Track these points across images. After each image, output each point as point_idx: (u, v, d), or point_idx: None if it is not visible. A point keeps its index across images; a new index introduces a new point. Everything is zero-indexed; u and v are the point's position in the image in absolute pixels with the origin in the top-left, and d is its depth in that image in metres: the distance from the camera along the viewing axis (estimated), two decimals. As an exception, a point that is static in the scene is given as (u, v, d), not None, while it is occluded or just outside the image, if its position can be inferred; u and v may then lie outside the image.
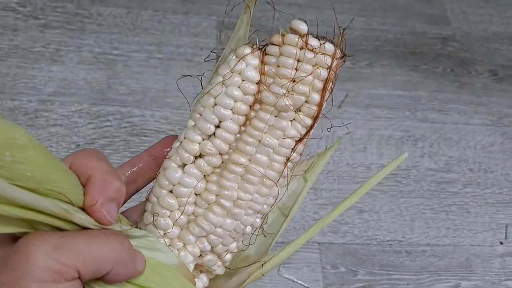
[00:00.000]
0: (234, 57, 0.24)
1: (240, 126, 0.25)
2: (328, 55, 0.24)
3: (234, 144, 0.25)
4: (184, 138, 0.26)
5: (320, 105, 0.26)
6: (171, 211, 0.25)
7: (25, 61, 0.62)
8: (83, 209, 0.20)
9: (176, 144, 0.26)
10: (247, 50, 0.24)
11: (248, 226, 0.27)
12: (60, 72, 0.62)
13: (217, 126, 0.25)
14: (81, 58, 0.64)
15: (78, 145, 0.56)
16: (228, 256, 0.27)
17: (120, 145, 0.57)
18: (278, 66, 0.24)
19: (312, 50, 0.23)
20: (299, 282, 0.51)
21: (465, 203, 0.58)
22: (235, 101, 0.24)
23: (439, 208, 0.58)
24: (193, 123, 0.26)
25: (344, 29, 0.24)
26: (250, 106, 0.25)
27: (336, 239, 0.54)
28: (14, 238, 0.20)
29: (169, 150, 0.27)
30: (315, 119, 0.27)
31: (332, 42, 0.24)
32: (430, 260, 0.54)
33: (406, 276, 0.53)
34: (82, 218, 0.20)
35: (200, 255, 0.26)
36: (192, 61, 0.66)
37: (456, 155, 0.63)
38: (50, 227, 0.20)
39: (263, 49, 0.24)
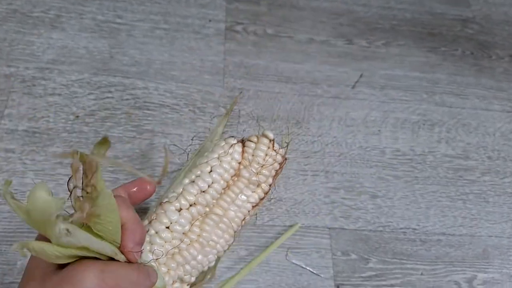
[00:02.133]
0: (225, 144, 0.41)
1: (223, 189, 0.40)
2: (280, 154, 0.44)
3: (215, 200, 0.39)
4: (183, 189, 0.38)
5: (270, 185, 0.43)
6: (165, 242, 0.36)
7: (23, 27, 0.58)
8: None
9: (172, 194, 0.39)
10: (235, 141, 0.41)
11: (210, 263, 0.39)
12: (60, 40, 0.58)
13: (209, 186, 0.39)
14: (82, 25, 0.60)
15: (78, 116, 0.53)
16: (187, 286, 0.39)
17: (121, 118, 0.54)
18: (253, 155, 0.41)
19: (274, 150, 0.43)
20: (308, 268, 0.48)
21: (483, 192, 0.56)
22: (224, 171, 0.40)
23: (455, 196, 0.55)
24: (188, 180, 0.39)
25: (287, 145, 0.45)
26: (231, 177, 0.40)
27: (348, 224, 0.51)
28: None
29: (140, 191, 0.38)
30: (266, 193, 0.43)
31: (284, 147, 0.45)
32: (446, 250, 0.51)
33: (420, 266, 0.50)
34: (121, 256, 0.30)
35: (173, 281, 0.37)
36: (200, 33, 0.62)
37: (474, 142, 0.59)
38: (93, 258, 0.29)
39: (243, 142, 0.42)
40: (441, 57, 0.67)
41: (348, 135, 0.57)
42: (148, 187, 0.38)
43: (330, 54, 0.64)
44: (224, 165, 0.40)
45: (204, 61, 0.60)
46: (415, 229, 0.52)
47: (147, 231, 0.36)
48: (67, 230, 0.26)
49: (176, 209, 0.37)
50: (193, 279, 0.39)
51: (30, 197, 0.26)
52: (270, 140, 0.42)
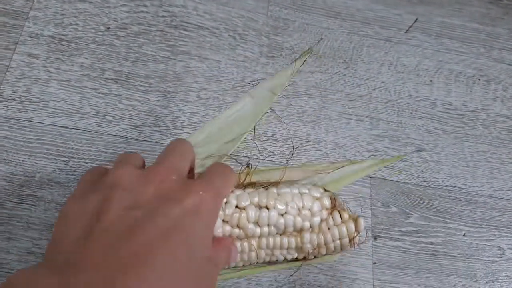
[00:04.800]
0: (321, 208, 0.37)
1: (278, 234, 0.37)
2: (353, 244, 0.38)
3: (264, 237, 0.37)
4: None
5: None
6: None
7: None
8: None
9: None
10: (328, 204, 0.37)
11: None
12: None
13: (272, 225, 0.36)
14: None
15: (109, 27, 0.48)
16: None
17: (156, 35, 0.49)
18: (335, 226, 0.37)
19: (351, 242, 0.38)
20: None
21: (536, 158, 0.52)
22: (295, 223, 0.36)
23: (506, 159, 0.51)
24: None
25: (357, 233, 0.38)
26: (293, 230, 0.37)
27: (391, 175, 0.47)
28: None
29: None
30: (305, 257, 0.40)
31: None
32: (492, 214, 0.48)
33: (463, 227, 0.46)
34: None
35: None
36: (246, -46, 0.56)
37: (530, 105, 0.55)
38: None
39: (333, 207, 0.37)
40: (503, 10, 0.61)
41: (397, 81, 0.53)
42: None
43: (384, -6, 0.59)
44: (298, 219, 0.36)
45: (248, -15, 0.55)
46: (461, 188, 0.48)
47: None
48: None
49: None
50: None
51: None
52: (357, 230, 0.37)
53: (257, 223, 0.35)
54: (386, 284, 0.43)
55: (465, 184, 0.49)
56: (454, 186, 0.48)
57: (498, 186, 0.49)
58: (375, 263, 0.43)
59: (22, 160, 0.41)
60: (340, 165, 0.45)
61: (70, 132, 0.43)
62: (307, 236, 0.36)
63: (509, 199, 0.49)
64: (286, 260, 0.39)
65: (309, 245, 0.36)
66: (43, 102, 0.44)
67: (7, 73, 0.44)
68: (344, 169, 0.46)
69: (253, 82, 0.49)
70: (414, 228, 0.45)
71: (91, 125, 0.44)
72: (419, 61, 0.55)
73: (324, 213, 0.36)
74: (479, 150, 0.51)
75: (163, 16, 0.50)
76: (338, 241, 0.37)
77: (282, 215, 0.35)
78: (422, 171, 0.48)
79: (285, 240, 0.36)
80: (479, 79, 0.55)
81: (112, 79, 0.46)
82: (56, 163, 0.42)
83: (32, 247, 0.39)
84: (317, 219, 0.36)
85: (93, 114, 0.44)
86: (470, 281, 0.44)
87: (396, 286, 0.43)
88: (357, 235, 0.37)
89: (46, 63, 0.45)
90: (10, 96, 0.43)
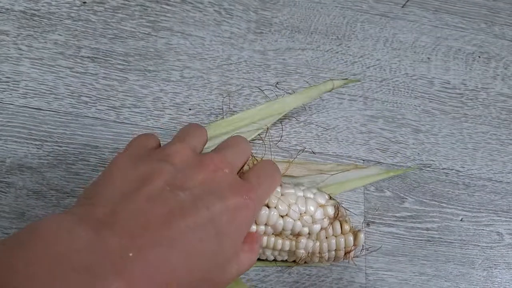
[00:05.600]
0: (324, 216, 0.34)
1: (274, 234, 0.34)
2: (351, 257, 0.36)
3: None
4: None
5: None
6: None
7: None
8: None
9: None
10: (331, 214, 0.34)
11: None
12: None
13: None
14: None
15: (85, 2, 0.45)
16: None
17: (135, 10, 0.46)
18: (333, 237, 0.34)
19: (346, 254, 0.35)
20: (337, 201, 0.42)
21: (538, 139, 0.49)
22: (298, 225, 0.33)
23: (507, 140, 0.48)
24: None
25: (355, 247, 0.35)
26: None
27: (385, 158, 0.45)
28: None
29: None
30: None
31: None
32: (491, 197, 0.45)
33: (460, 212, 0.44)
34: None
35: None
36: None
37: (532, 83, 0.52)
38: None
39: (336, 216, 0.34)
40: (505, -16, 0.58)
41: (393, 59, 0.50)
42: None
43: (380, -34, 0.55)
44: (298, 223, 0.33)
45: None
46: (459, 171, 0.46)
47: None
48: None
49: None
50: None
51: None
52: (354, 244, 0.35)
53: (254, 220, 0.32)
54: (379, 272, 0.41)
55: (463, 167, 0.46)
56: (452, 169, 0.46)
57: (498, 168, 0.47)
58: (367, 250, 0.41)
59: (-9, 144, 0.38)
60: (344, 168, 0.43)
61: (43, 114, 0.40)
62: (303, 241, 0.34)
63: (508, 182, 0.46)
64: (275, 260, 0.37)
65: (303, 251, 0.34)
66: (13, 82, 0.41)
67: (-26, 51, 0.41)
68: (348, 174, 0.43)
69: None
70: (409, 213, 0.43)
71: (66, 106, 0.41)
72: (416, 37, 0.52)
73: (326, 222, 0.34)
74: (478, 131, 0.48)
75: (143, -10, 0.47)
76: (333, 252, 0.35)
77: (282, 216, 0.32)
78: (418, 153, 0.46)
79: (279, 242, 0.34)
80: (479, 56, 0.52)
81: (88, 57, 0.43)
82: (28, 147, 0.39)
83: (2, 236, 0.37)
84: (317, 227, 0.33)
85: (68, 95, 0.42)
86: (467, 268, 0.42)
87: (390, 274, 0.41)
88: (354, 249, 0.35)
89: (17, 40, 0.42)
90: (-22, 76, 0.40)
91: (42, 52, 0.42)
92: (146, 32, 0.45)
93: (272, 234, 0.33)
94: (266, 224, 0.32)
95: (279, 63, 0.47)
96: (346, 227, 0.34)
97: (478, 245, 0.43)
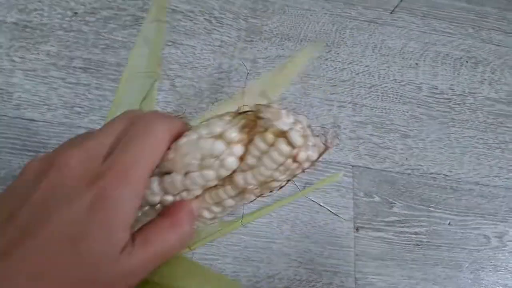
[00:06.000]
0: (222, 144, 0.23)
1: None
2: (304, 167, 0.24)
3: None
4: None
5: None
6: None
7: None
8: None
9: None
10: (235, 136, 0.23)
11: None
12: None
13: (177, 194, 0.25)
14: None
15: (76, 12, 0.46)
16: None
17: (127, 20, 0.47)
18: (259, 162, 0.23)
19: (297, 162, 0.23)
20: (326, 207, 0.43)
21: (524, 142, 0.50)
22: (204, 181, 0.24)
23: (494, 144, 0.49)
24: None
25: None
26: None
27: (373, 164, 0.46)
28: None
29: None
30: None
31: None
32: (478, 201, 0.46)
33: (448, 215, 0.45)
34: None
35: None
36: None
37: (519, 87, 0.53)
38: None
39: (249, 137, 0.23)
40: (492, -11, 0.59)
41: (382, 65, 0.51)
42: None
43: (369, -28, 0.56)
44: (205, 173, 0.24)
45: (225, -36, 0.52)
46: (446, 175, 0.47)
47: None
48: None
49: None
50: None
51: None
52: (294, 147, 0.23)
53: (168, 193, 0.25)
54: (369, 276, 0.42)
55: (451, 171, 0.47)
56: (439, 174, 0.47)
57: (485, 172, 0.48)
58: (357, 255, 0.42)
59: (-14, 156, 0.39)
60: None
61: (36, 125, 0.41)
62: (238, 178, 0.24)
63: (495, 186, 0.47)
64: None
65: (250, 186, 0.25)
66: (7, 94, 0.41)
67: (-32, 63, 0.42)
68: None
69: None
70: (397, 218, 0.44)
71: (59, 117, 0.42)
72: (404, 43, 0.52)
73: (237, 148, 0.23)
74: (465, 136, 0.49)
75: (134, 0, 0.48)
76: (279, 171, 0.24)
77: (187, 174, 0.24)
78: (406, 158, 0.47)
79: (208, 196, 0.26)
80: (467, 61, 0.53)
81: (80, 67, 0.44)
82: (22, 158, 0.40)
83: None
84: (231, 161, 0.23)
85: (61, 106, 0.42)
86: (455, 271, 0.43)
87: (379, 278, 0.42)
88: (297, 152, 0.23)
89: (10, 51, 0.43)
90: (-28, 88, 0.41)
91: (34, 64, 0.43)
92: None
93: (196, 196, 0.25)
94: (178, 193, 0.25)
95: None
96: (269, 137, 0.23)
97: (466, 248, 0.44)
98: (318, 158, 0.24)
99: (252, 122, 0.24)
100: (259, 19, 0.50)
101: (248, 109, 0.24)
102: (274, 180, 0.25)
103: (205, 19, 0.49)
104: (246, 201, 0.27)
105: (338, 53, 0.50)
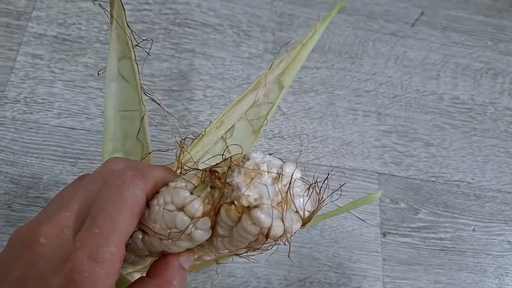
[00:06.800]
0: (185, 217, 0.21)
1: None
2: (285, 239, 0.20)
3: None
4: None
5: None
6: None
7: None
8: None
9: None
10: (198, 209, 0.21)
11: None
12: None
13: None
14: None
15: (112, 26, 0.48)
16: None
17: (160, 33, 0.49)
18: (230, 234, 0.21)
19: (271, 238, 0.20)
20: (354, 213, 0.44)
21: (545, 151, 0.51)
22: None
23: (515, 153, 0.50)
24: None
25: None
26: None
27: (398, 171, 0.47)
28: None
29: None
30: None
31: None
32: (501, 208, 0.47)
33: (472, 222, 0.46)
34: None
35: None
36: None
37: (538, 97, 0.54)
38: None
39: (216, 208, 0.20)
40: (509, 2, 0.60)
41: (404, 76, 0.52)
42: None
43: (389, -13, 0.58)
44: (178, 243, 0.22)
45: (252, -20, 0.54)
46: (469, 183, 0.48)
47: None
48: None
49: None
50: None
51: None
52: (261, 228, 0.19)
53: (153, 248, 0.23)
54: (396, 281, 0.43)
55: (474, 179, 0.48)
56: (463, 181, 0.48)
57: (507, 180, 0.49)
58: (384, 259, 0.43)
59: (29, 162, 0.41)
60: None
61: (76, 133, 0.43)
62: (218, 243, 0.22)
63: (518, 193, 0.48)
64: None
65: (232, 249, 0.22)
66: (48, 103, 0.43)
67: (11, 75, 0.44)
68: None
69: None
70: (423, 224, 0.45)
71: (97, 125, 0.44)
72: (425, 55, 0.54)
73: (203, 221, 0.21)
74: (487, 144, 0.50)
75: (166, 14, 0.50)
76: (256, 243, 0.21)
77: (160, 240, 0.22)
78: (430, 166, 0.48)
79: (206, 250, 0.24)
80: (486, 73, 0.54)
81: (117, 78, 0.46)
82: (63, 164, 0.42)
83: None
84: (198, 235, 0.21)
85: (99, 115, 0.44)
86: (480, 276, 0.44)
87: (406, 282, 0.43)
88: (268, 231, 0.19)
89: (50, 63, 0.45)
90: (15, 98, 0.43)
91: (73, 75, 0.45)
92: (170, 54, 0.48)
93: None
94: (148, 253, 0.24)
95: (295, 82, 0.49)
96: (232, 214, 0.20)
97: (490, 254, 0.45)
98: (304, 225, 0.20)
99: (219, 191, 0.21)
100: (285, 32, 0.52)
101: (217, 169, 0.21)
102: (254, 248, 0.22)
103: (233, 32, 0.51)
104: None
105: (361, 65, 0.52)
